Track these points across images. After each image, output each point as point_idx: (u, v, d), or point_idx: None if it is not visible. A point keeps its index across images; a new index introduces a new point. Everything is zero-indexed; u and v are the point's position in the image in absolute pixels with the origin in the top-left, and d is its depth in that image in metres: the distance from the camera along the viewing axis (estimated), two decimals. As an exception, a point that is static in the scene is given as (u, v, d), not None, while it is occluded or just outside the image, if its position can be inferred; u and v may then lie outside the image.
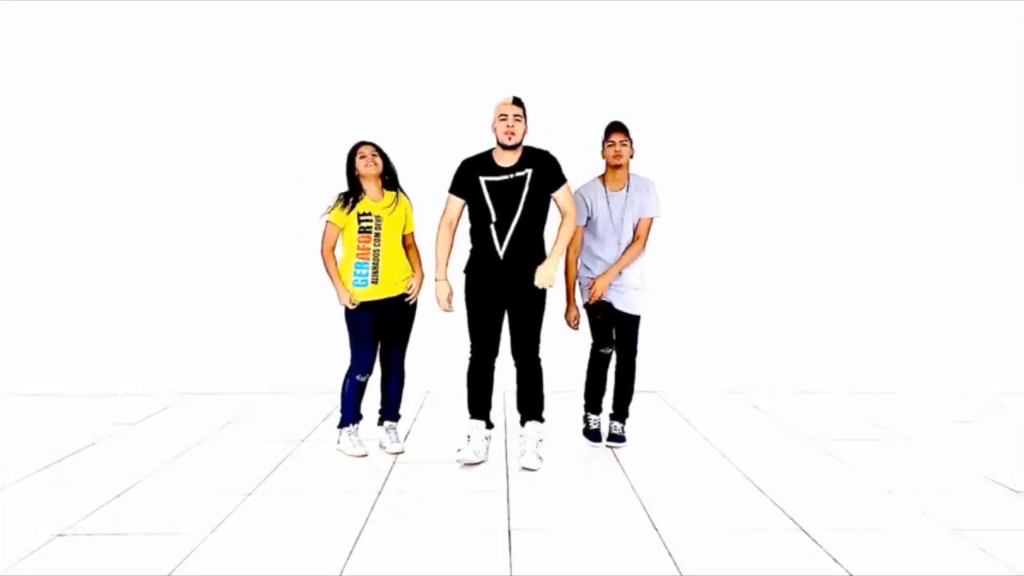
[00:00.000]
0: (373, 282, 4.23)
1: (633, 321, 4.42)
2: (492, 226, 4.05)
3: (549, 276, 4.05)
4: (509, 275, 4.07)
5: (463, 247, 4.23)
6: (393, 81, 6.16)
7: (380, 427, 4.48)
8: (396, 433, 4.47)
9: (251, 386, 6.11)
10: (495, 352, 4.19)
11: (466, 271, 4.21)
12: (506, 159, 4.06)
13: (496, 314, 4.14)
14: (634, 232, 4.36)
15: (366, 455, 4.31)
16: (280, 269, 6.10)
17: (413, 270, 4.38)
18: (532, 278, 4.08)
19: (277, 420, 5.23)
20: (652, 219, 4.38)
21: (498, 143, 4.05)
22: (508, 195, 4.03)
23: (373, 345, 4.32)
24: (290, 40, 6.15)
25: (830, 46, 6.18)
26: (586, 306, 4.43)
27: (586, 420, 4.58)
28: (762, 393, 6.03)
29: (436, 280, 4.18)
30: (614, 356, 4.49)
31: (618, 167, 4.31)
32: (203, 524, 3.28)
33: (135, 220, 6.17)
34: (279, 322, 6.17)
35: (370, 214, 4.22)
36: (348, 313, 4.27)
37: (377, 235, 4.22)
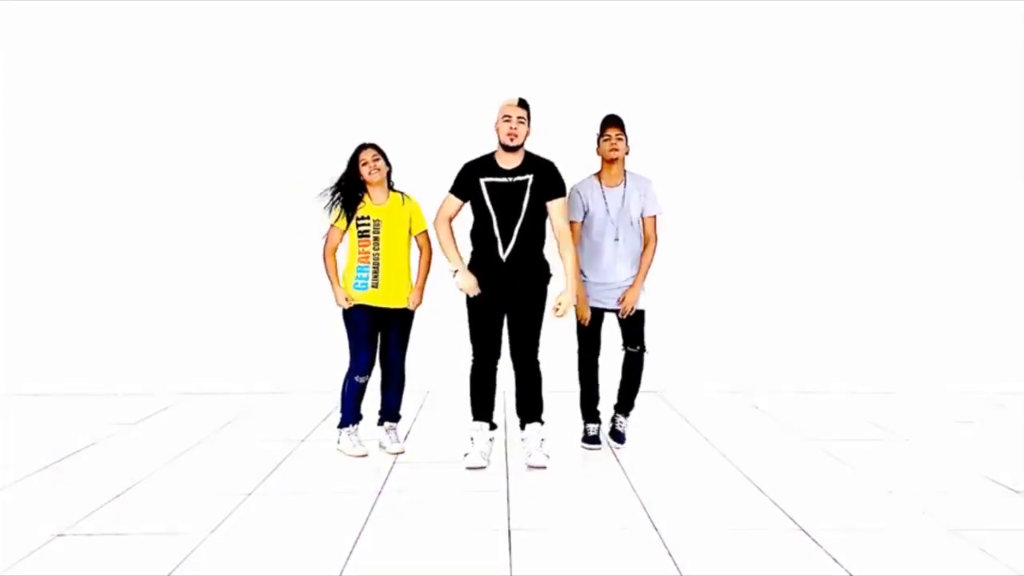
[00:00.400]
0: (373, 287, 4.22)
1: (637, 318, 4.40)
2: (495, 229, 4.05)
3: (568, 302, 4.08)
4: (510, 278, 4.07)
5: (463, 247, 4.22)
6: (393, 81, 6.16)
7: (380, 427, 4.47)
8: (396, 433, 4.46)
9: (251, 386, 6.11)
10: (497, 355, 4.19)
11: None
12: (508, 161, 4.06)
13: (497, 317, 4.14)
14: (643, 235, 4.36)
15: (366, 455, 4.31)
16: (280, 269, 6.09)
17: (419, 277, 4.36)
18: (533, 282, 4.10)
19: (277, 420, 5.23)
20: (655, 217, 4.37)
21: (500, 144, 4.05)
22: (509, 198, 4.03)
23: (371, 346, 4.32)
24: (290, 40, 6.15)
25: (830, 45, 6.18)
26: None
27: (585, 429, 4.55)
28: (762, 393, 6.03)
29: (456, 272, 4.12)
30: (622, 353, 4.49)
31: (614, 161, 4.29)
32: (203, 524, 3.28)
33: (135, 220, 6.17)
34: (279, 322, 6.17)
35: (368, 218, 4.21)
36: (346, 314, 4.27)
37: (376, 239, 4.20)
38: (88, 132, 6.14)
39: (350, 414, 4.35)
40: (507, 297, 4.11)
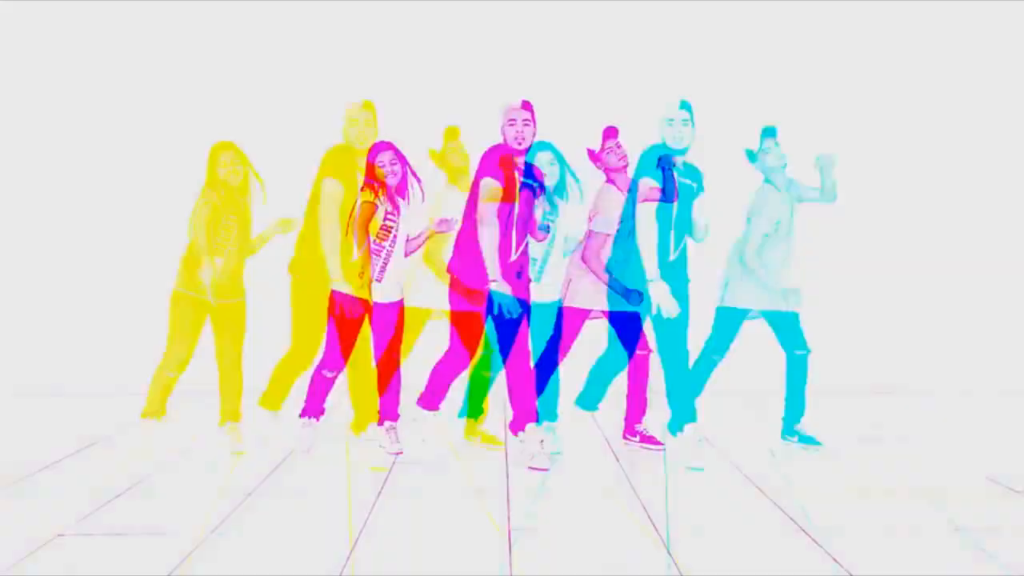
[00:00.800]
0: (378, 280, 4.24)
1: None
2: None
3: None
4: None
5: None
6: (392, 81, 6.15)
7: (380, 427, 4.47)
8: (396, 433, 4.46)
9: (251, 386, 6.10)
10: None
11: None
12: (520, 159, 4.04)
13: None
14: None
15: (309, 450, 4.33)
16: (280, 269, 6.07)
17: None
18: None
19: (277, 420, 5.22)
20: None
21: (509, 147, 4.00)
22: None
23: (348, 344, 4.29)
24: (286, 41, 6.15)
25: (836, 45, 6.18)
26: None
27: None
28: (763, 394, 6.02)
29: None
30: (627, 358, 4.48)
31: (626, 168, 4.30)
32: (203, 524, 3.28)
33: (135, 220, 6.17)
34: (279, 322, 6.15)
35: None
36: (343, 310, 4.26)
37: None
38: (87, 133, 6.14)
39: (313, 408, 4.42)
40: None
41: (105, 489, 3.75)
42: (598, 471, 4.09)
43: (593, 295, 4.31)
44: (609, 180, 4.35)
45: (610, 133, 4.33)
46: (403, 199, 4.22)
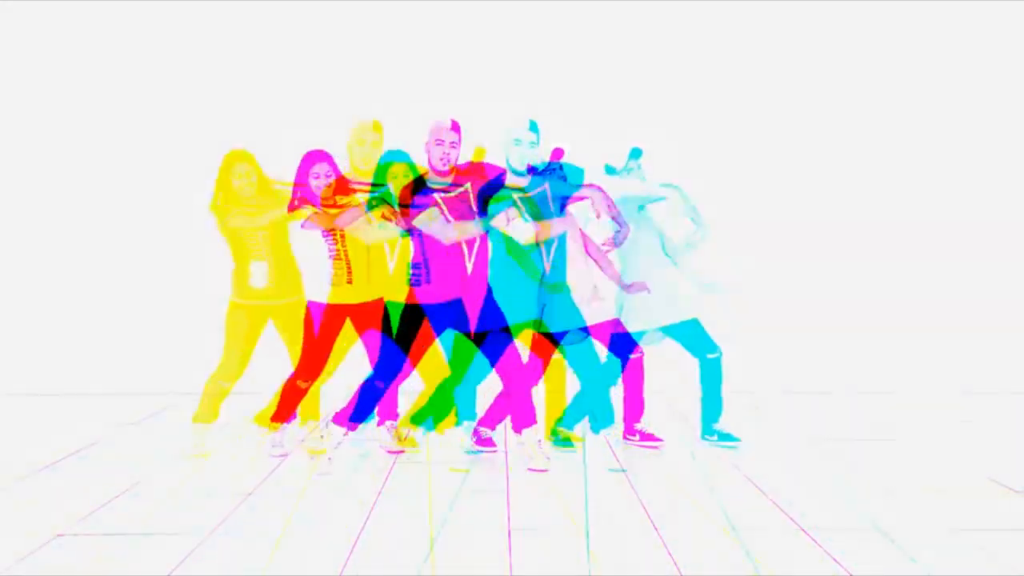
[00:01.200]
0: (348, 283, 4.17)
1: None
2: (462, 243, 3.95)
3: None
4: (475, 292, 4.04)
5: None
6: (390, 81, 6.16)
7: (380, 427, 4.47)
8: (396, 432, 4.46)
9: (250, 386, 6.10)
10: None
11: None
12: (440, 180, 3.96)
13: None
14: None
15: (285, 456, 4.29)
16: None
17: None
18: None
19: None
20: None
21: (430, 166, 3.93)
22: (461, 209, 3.95)
23: (324, 352, 4.23)
24: (282, 42, 6.15)
25: (838, 46, 6.19)
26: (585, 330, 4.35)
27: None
28: (762, 393, 6.03)
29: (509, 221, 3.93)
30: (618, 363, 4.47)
31: None
32: (203, 524, 3.28)
33: (135, 220, 6.18)
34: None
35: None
36: (316, 315, 4.22)
37: (342, 235, 4.11)
38: (87, 134, 6.15)
39: (286, 414, 4.31)
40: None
41: (105, 489, 3.75)
42: (598, 472, 4.09)
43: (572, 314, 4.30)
44: None
45: (558, 154, 4.31)
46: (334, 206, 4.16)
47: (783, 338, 6.16)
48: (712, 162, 6.19)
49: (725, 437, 4.52)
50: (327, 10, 6.11)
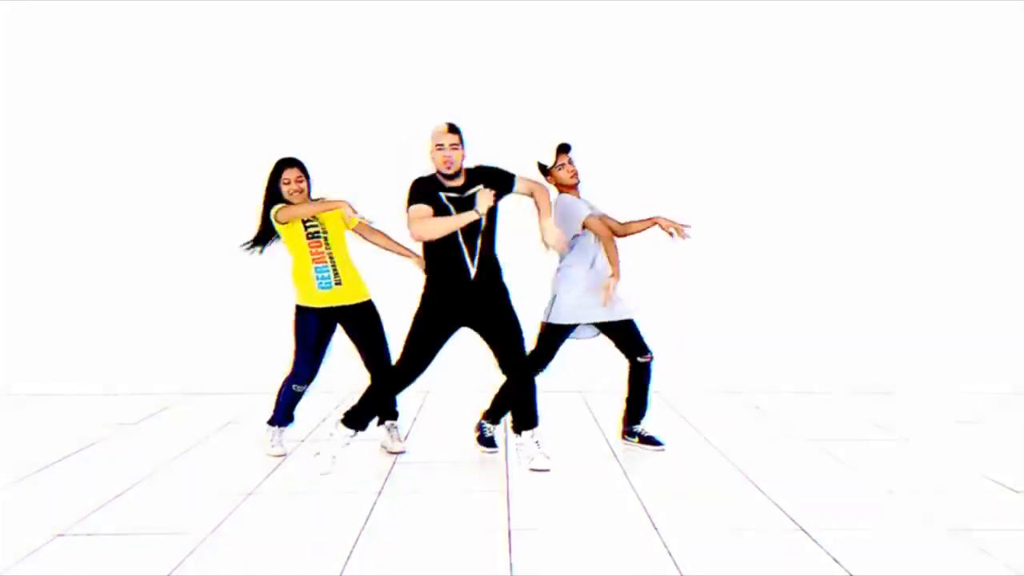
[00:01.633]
0: (337, 284, 4.17)
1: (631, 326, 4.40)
2: (462, 244, 3.93)
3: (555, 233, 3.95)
4: (481, 293, 4.01)
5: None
6: (388, 82, 6.16)
7: (381, 427, 4.47)
8: (397, 432, 4.47)
9: (251, 386, 6.11)
10: (423, 372, 4.06)
11: (430, 296, 4.03)
12: (452, 183, 3.95)
13: (447, 338, 4.05)
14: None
15: (283, 455, 4.31)
16: (280, 269, 6.07)
17: (394, 245, 4.36)
18: (501, 293, 4.05)
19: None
20: None
21: (438, 172, 3.94)
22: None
23: (317, 356, 4.27)
24: (284, 41, 6.15)
25: (831, 45, 6.18)
26: (563, 329, 4.35)
27: (482, 428, 4.43)
28: (762, 393, 6.03)
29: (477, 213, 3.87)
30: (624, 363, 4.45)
31: (576, 184, 4.34)
32: (203, 524, 3.28)
33: (135, 220, 6.17)
34: (279, 322, 6.15)
35: (315, 219, 4.17)
36: (298, 319, 4.24)
37: (326, 238, 4.16)
38: (88, 133, 6.15)
39: (280, 418, 4.34)
40: (478, 313, 4.02)
41: (105, 489, 3.75)
42: (598, 471, 4.09)
43: (575, 310, 4.30)
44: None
45: (563, 149, 4.32)
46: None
47: (783, 338, 6.15)
48: (712, 162, 6.18)
49: (649, 439, 4.47)
50: (335, 11, 6.12)
